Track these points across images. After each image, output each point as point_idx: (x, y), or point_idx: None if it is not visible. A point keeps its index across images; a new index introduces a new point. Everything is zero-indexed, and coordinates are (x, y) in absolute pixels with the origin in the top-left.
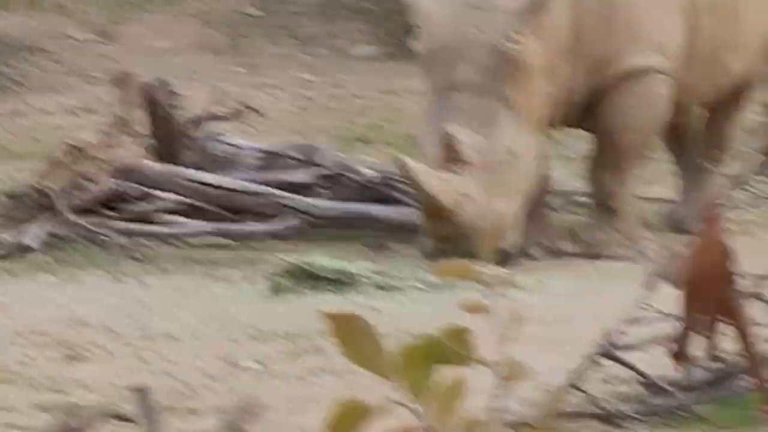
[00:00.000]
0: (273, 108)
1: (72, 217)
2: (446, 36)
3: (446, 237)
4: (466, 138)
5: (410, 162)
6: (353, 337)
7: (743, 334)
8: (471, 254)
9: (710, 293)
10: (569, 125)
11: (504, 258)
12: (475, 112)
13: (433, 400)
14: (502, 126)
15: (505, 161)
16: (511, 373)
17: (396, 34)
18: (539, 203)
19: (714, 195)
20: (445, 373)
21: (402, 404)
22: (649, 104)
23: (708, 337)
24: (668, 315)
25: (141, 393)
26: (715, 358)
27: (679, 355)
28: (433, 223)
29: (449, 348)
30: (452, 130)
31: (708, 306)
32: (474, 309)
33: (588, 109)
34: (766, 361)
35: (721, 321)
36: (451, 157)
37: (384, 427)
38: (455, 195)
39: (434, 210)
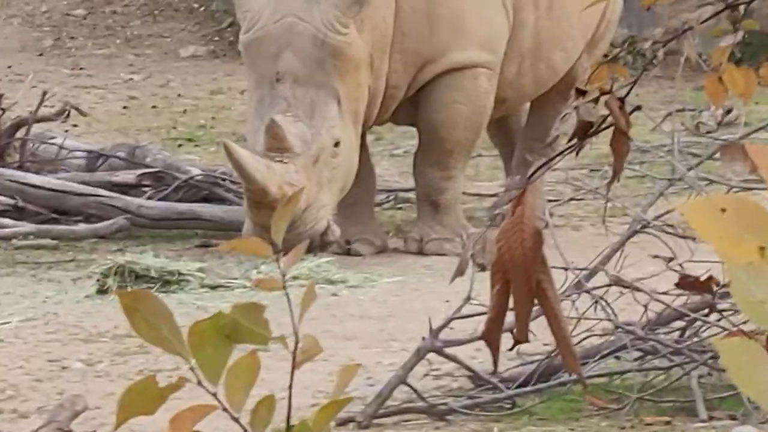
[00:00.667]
0: (99, 108)
1: None
2: (269, 26)
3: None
4: (291, 127)
5: (236, 147)
6: (146, 315)
7: (554, 320)
8: (294, 243)
9: (519, 276)
10: (395, 122)
11: (323, 249)
12: (299, 101)
13: (228, 378)
14: (326, 116)
15: (329, 152)
16: (305, 350)
17: (221, 33)
18: (365, 200)
19: (522, 178)
20: (240, 352)
21: (198, 383)
22: (473, 100)
23: (520, 325)
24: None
25: None
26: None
27: (491, 343)
28: (258, 212)
29: (243, 326)
30: (278, 119)
31: (518, 289)
32: (267, 285)
33: (413, 105)
34: (578, 353)
35: (531, 306)
36: (276, 146)
37: (178, 406)
38: (281, 183)
39: (259, 198)
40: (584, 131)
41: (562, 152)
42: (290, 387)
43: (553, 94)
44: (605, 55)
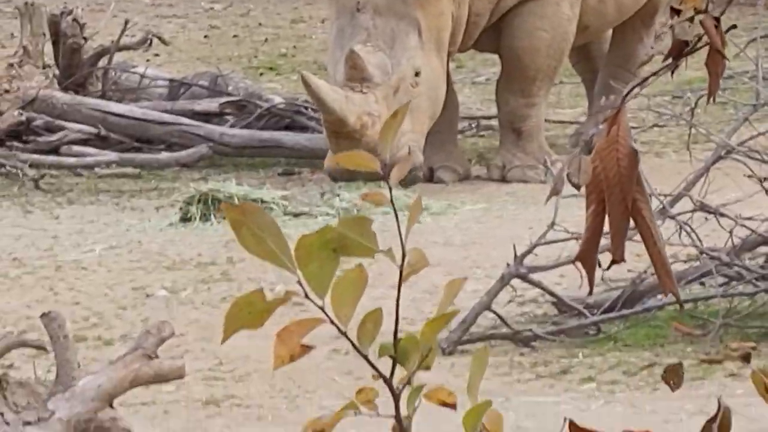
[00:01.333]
0: (180, 38)
1: None
2: None
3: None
4: (371, 57)
5: (313, 78)
6: (253, 229)
7: (650, 240)
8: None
9: (615, 195)
10: (477, 48)
11: (410, 180)
12: (380, 31)
13: (335, 291)
14: (407, 45)
15: (410, 81)
16: (412, 263)
17: None
18: (448, 127)
19: (617, 98)
20: (347, 265)
21: (305, 296)
22: (556, 26)
23: (616, 244)
24: (580, 235)
25: (51, 321)
26: (619, 267)
27: (586, 264)
28: (337, 141)
29: (350, 239)
30: (357, 49)
31: (613, 209)
32: (374, 199)
33: (495, 32)
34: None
35: (627, 226)
36: (356, 76)
37: (286, 320)
38: (360, 114)
39: (339, 128)
40: (679, 50)
41: (657, 72)
42: (397, 300)
43: (635, 21)
44: None
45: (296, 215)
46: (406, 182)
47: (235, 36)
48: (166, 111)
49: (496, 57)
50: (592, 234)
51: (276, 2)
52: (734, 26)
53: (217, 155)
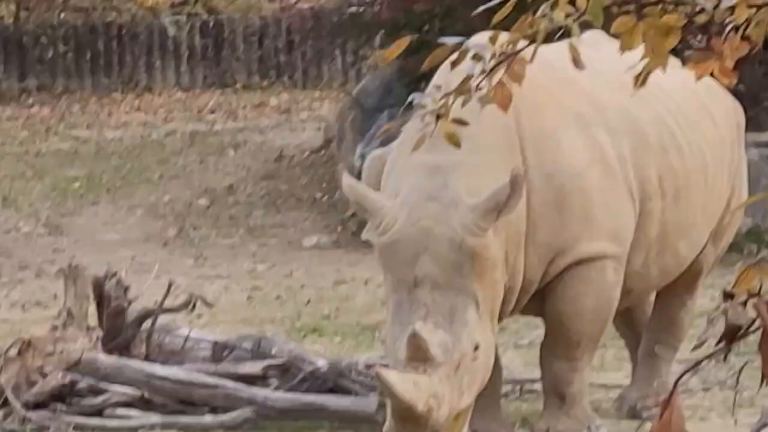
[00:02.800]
0: (223, 299)
1: (23, 412)
2: (405, 229)
3: None
4: (432, 337)
5: (387, 373)
6: None
7: None
8: None
9: None
10: (522, 312)
11: None
12: (438, 307)
13: None
14: (466, 321)
15: (470, 357)
16: None
17: (344, 223)
18: (492, 391)
19: (670, 382)
20: None
21: None
22: (600, 292)
23: None
24: None
25: None
26: None
27: None
28: (405, 426)
29: None
30: (418, 328)
31: None
32: None
33: (540, 296)
34: None
35: None
36: (420, 357)
37: None
38: (428, 398)
39: (408, 414)
40: (732, 334)
41: (710, 355)
42: None
43: (678, 285)
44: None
45: None
46: None
47: (278, 297)
48: (209, 373)
49: (539, 320)
50: None
51: (319, 263)
52: None
53: (261, 418)
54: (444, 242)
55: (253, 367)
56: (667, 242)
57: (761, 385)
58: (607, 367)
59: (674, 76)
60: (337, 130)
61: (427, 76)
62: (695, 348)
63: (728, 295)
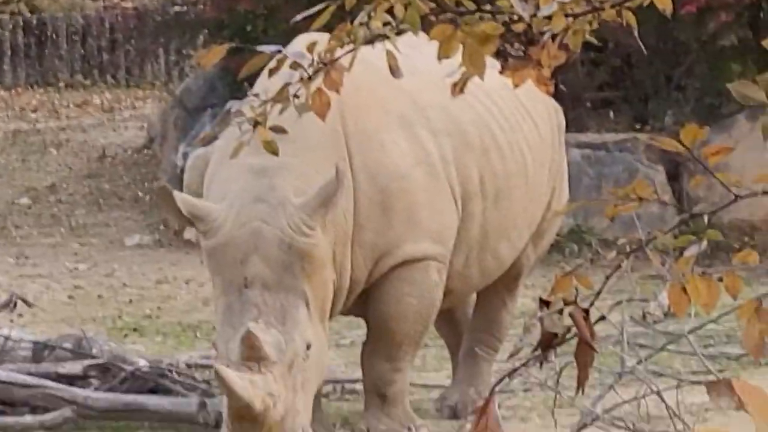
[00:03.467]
0: (44, 298)
1: None
2: (234, 231)
3: None
4: (265, 336)
5: (227, 372)
6: None
7: None
8: None
9: None
10: (344, 313)
11: None
12: (270, 307)
13: None
14: (298, 320)
15: (302, 355)
16: None
17: (166, 222)
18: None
19: (490, 382)
20: None
21: None
22: (423, 292)
23: None
24: None
25: None
26: None
27: None
28: (241, 426)
29: None
30: (252, 328)
31: None
32: None
33: (362, 297)
34: None
35: None
36: (254, 356)
37: None
38: (264, 397)
39: (245, 413)
40: (548, 342)
41: (526, 363)
42: None
43: (498, 285)
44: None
45: None
46: None
47: (99, 296)
48: (30, 373)
49: (359, 319)
50: None
51: (141, 263)
52: (603, 317)
53: (82, 418)
54: (273, 243)
55: (74, 367)
56: (488, 243)
57: (577, 391)
58: (427, 367)
59: (495, 77)
60: (159, 129)
61: (251, 77)
62: (511, 356)
63: (544, 303)
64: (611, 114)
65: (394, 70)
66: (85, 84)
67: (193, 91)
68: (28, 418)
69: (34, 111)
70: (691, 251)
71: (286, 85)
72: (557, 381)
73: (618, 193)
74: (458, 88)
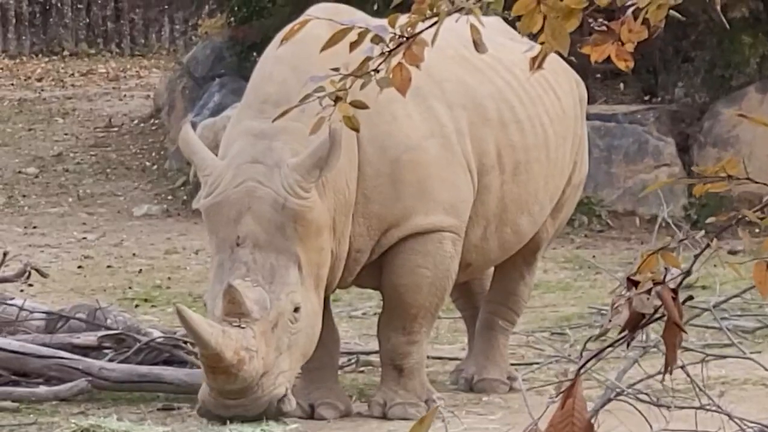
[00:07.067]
0: (53, 267)
1: None
2: (229, 190)
3: (229, 392)
4: (249, 292)
5: (188, 311)
6: None
7: None
8: (252, 408)
9: None
10: (358, 285)
11: (278, 416)
12: (259, 266)
13: None
14: (287, 281)
15: (289, 317)
16: None
17: (175, 192)
18: (329, 363)
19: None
20: None
21: None
22: (438, 264)
23: None
24: None
25: None
26: None
27: None
28: (214, 377)
29: None
30: (236, 284)
31: None
32: None
33: (377, 269)
34: None
35: None
36: (234, 311)
37: None
38: (237, 349)
39: (216, 363)
40: (636, 322)
41: (613, 344)
42: None
43: (517, 258)
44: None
45: None
46: (275, 415)
47: (108, 266)
48: (44, 344)
49: (372, 291)
50: None
51: (149, 233)
52: (691, 297)
53: (96, 389)
54: (267, 202)
55: (88, 338)
56: (507, 217)
57: (665, 373)
58: (442, 340)
59: (516, 50)
60: (167, 99)
61: (258, 46)
62: (599, 336)
63: (633, 282)
64: (621, 86)
65: (479, 45)
66: (89, 53)
67: (200, 60)
68: (43, 389)
69: (40, 80)
70: None
71: (367, 59)
72: (581, 354)
73: (707, 171)
74: (536, 64)
